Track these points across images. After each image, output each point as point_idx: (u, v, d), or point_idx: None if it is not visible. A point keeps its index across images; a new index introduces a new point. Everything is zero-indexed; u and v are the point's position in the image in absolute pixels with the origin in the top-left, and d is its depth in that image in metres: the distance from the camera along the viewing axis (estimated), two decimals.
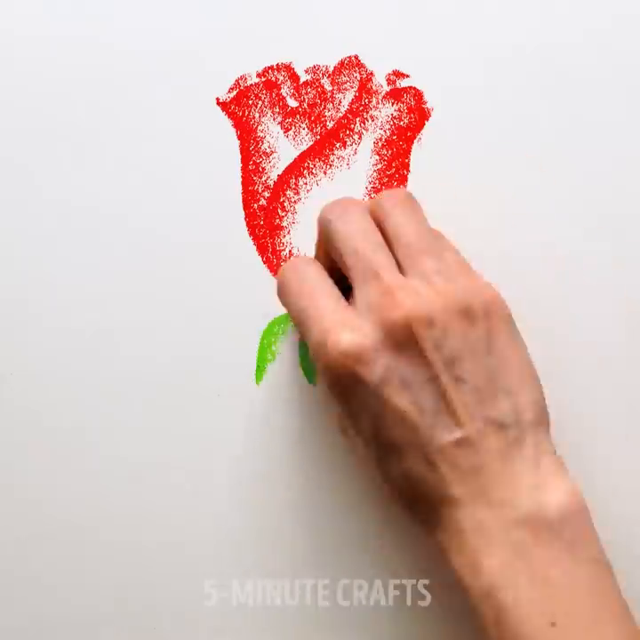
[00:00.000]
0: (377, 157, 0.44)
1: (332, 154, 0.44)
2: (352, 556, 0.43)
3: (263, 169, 0.44)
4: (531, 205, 0.44)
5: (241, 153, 0.44)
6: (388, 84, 0.44)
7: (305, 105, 0.44)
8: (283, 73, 0.44)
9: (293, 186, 0.44)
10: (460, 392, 0.35)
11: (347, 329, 0.35)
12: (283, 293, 0.39)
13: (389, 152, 0.44)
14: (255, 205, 0.44)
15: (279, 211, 0.44)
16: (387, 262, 0.36)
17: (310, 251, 0.44)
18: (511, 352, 0.36)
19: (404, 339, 0.35)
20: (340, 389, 0.36)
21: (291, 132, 0.44)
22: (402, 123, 0.44)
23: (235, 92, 0.44)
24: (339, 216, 0.38)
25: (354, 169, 0.44)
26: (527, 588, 0.33)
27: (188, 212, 0.44)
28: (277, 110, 0.44)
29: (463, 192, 0.44)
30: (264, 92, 0.44)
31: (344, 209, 0.38)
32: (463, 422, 0.35)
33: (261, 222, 0.44)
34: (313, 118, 0.44)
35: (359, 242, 0.37)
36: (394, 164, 0.44)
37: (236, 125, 0.44)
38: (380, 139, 0.44)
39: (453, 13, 0.44)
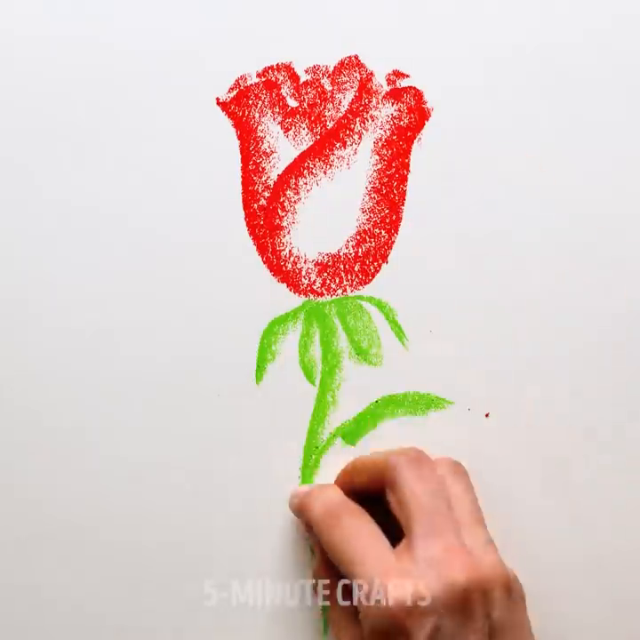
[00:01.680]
0: (377, 157, 0.44)
1: (332, 154, 0.44)
2: None
3: (263, 169, 0.44)
4: (531, 205, 0.44)
5: (241, 153, 0.44)
6: (388, 84, 0.44)
7: (305, 105, 0.44)
8: (283, 73, 0.44)
9: (293, 186, 0.44)
10: None
11: (404, 578, 0.35)
12: (322, 527, 0.39)
13: (389, 152, 0.44)
14: (255, 205, 0.44)
15: (279, 211, 0.44)
16: (452, 523, 0.37)
17: (310, 250, 0.44)
18: (527, 633, 0.38)
19: (459, 601, 0.35)
20: (381, 637, 0.36)
21: (291, 132, 0.44)
22: (402, 123, 0.44)
23: (235, 92, 0.44)
24: (412, 468, 0.38)
25: (354, 169, 0.44)
26: None
27: (188, 212, 0.44)
28: (277, 110, 0.44)
29: (463, 192, 0.44)
30: (264, 92, 0.44)
31: (418, 463, 0.39)
32: None
33: (261, 222, 0.44)
34: (313, 118, 0.44)
35: (430, 498, 0.37)
36: (394, 164, 0.44)
37: (236, 125, 0.44)
38: (380, 139, 0.44)
39: (453, 13, 0.44)
